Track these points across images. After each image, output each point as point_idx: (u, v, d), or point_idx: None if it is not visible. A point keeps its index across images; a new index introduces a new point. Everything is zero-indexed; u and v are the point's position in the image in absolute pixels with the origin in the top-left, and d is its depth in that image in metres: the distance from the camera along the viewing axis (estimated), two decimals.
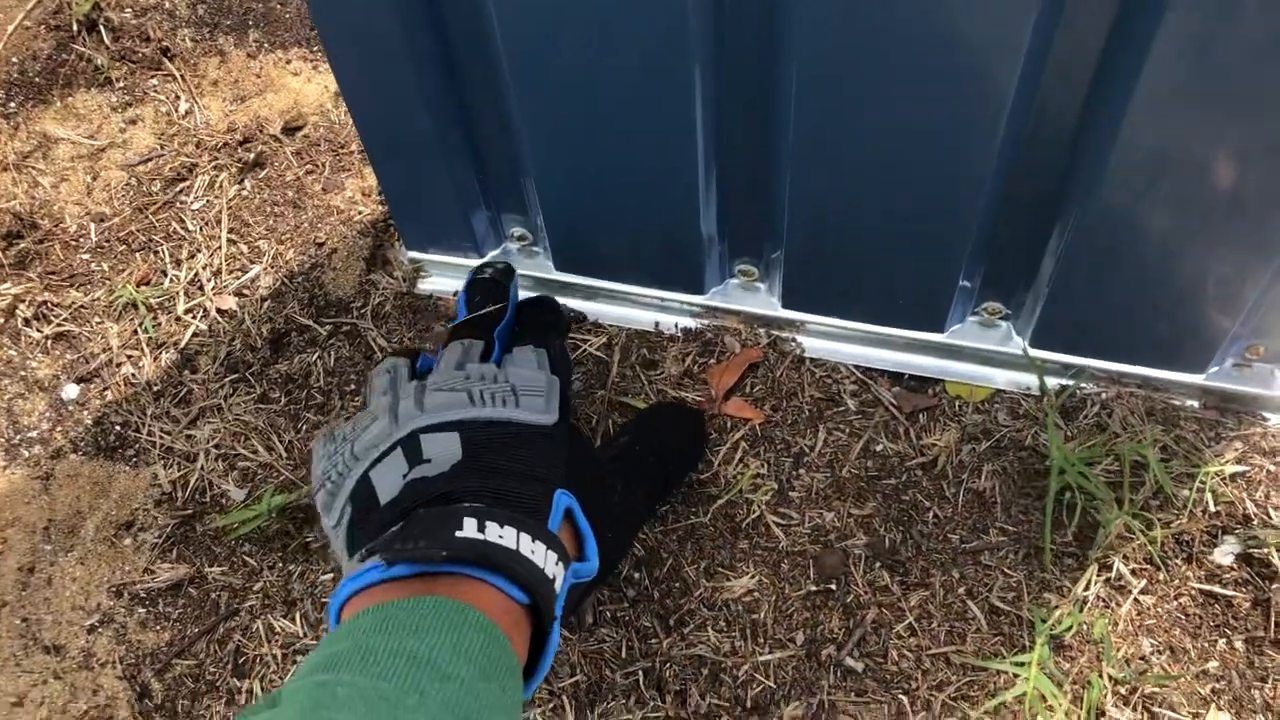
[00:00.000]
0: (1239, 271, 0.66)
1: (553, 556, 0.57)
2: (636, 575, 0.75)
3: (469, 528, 0.54)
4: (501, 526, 0.55)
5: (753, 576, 0.75)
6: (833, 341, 0.83)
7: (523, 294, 0.81)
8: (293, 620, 0.76)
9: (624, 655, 0.73)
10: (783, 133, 0.67)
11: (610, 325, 0.86)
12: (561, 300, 0.86)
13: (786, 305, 0.82)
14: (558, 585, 0.57)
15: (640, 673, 0.72)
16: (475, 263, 0.86)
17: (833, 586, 0.74)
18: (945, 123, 0.62)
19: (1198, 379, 0.76)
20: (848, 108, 0.64)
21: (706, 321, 0.85)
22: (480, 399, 0.63)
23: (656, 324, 0.86)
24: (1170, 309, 0.71)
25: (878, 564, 0.74)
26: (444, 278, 0.89)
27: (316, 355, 0.87)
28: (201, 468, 0.83)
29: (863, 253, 0.74)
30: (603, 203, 0.77)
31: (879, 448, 0.79)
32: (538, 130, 0.73)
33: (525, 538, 0.56)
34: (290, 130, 1.01)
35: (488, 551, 0.54)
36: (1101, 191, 0.63)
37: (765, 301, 0.83)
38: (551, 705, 0.71)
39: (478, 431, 0.62)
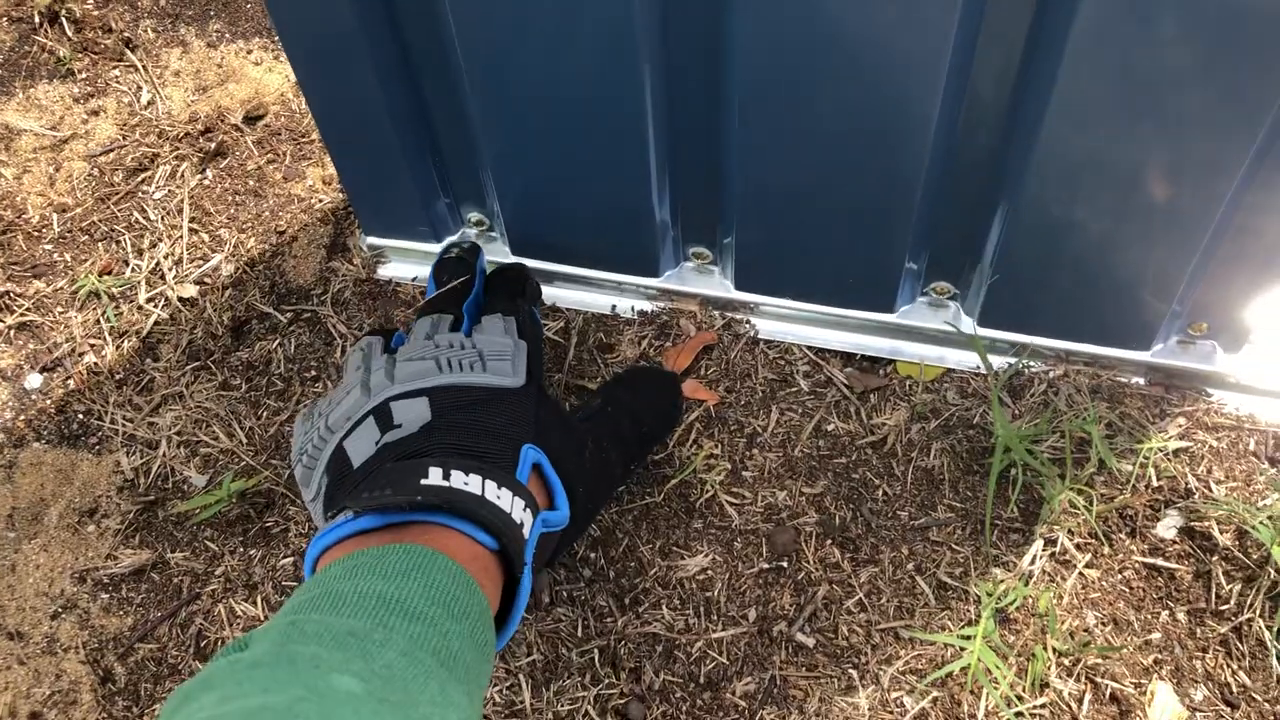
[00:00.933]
0: (1169, 253, 0.68)
1: (520, 503, 0.58)
2: (592, 555, 0.76)
3: (434, 476, 0.56)
4: (467, 475, 0.56)
5: (706, 555, 0.76)
6: (786, 323, 0.84)
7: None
8: (254, 603, 0.77)
9: (579, 634, 0.74)
10: (729, 123, 0.68)
11: (567, 309, 0.87)
12: None
13: (740, 287, 0.83)
14: (526, 531, 0.58)
15: (596, 651, 0.73)
16: (434, 248, 0.87)
17: (784, 564, 0.75)
18: (880, 115, 0.64)
19: (1143, 356, 0.78)
20: (789, 101, 0.65)
21: (662, 304, 0.86)
22: (448, 365, 0.65)
23: (613, 307, 0.87)
24: (1109, 290, 0.73)
25: (828, 541, 0.75)
26: (403, 264, 0.90)
27: (277, 342, 0.88)
28: (164, 454, 0.84)
29: (811, 236, 0.75)
30: (557, 190, 0.78)
31: (830, 427, 0.80)
32: (492, 120, 0.74)
33: (491, 484, 0.57)
34: (251, 120, 1.02)
35: (453, 497, 0.55)
36: (1029, 181, 0.65)
37: (719, 284, 0.84)
38: (508, 684, 0.73)
39: (446, 395, 0.63)
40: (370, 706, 0.42)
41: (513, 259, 0.86)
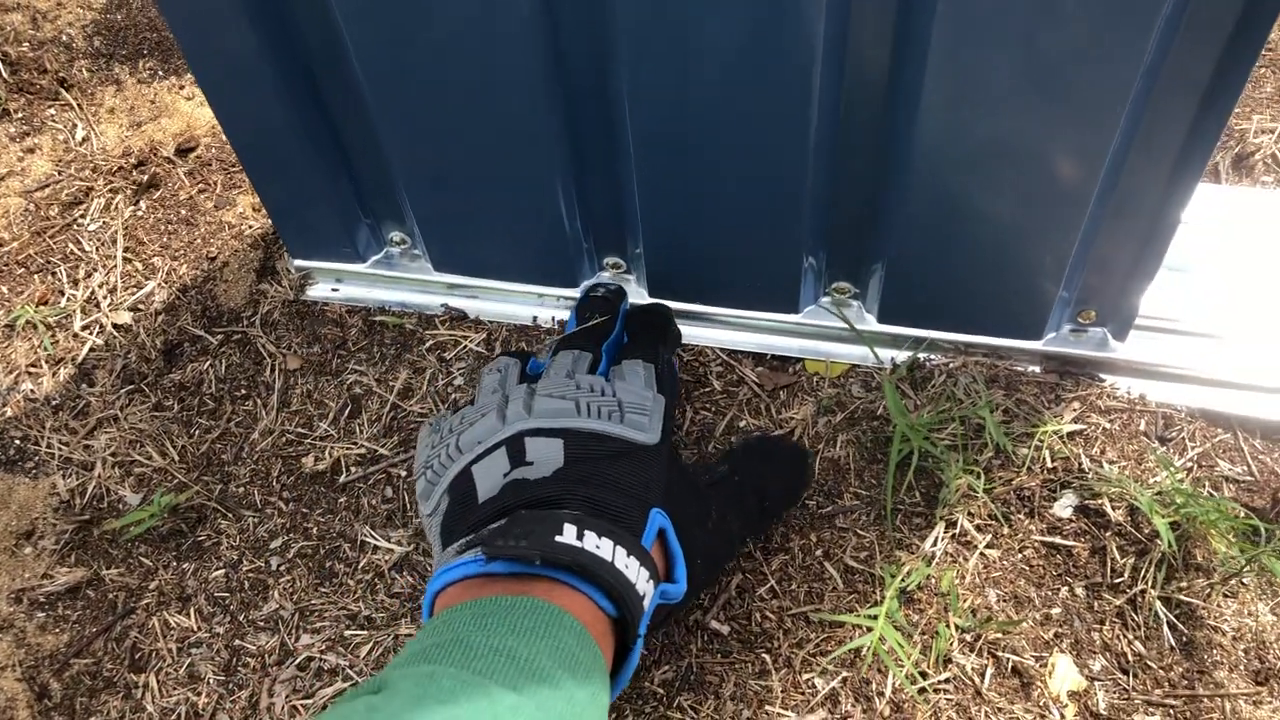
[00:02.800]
0: (1051, 237, 0.71)
1: (645, 573, 0.58)
2: None
3: (568, 534, 0.56)
4: (599, 537, 0.57)
5: None
6: (699, 327, 0.87)
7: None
8: (187, 615, 0.79)
9: None
10: (624, 135, 0.72)
11: (490, 321, 0.90)
12: (442, 299, 0.91)
13: (654, 294, 0.86)
14: (646, 602, 0.58)
15: None
16: (357, 268, 0.90)
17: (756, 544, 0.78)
18: (761, 121, 0.67)
19: (1037, 345, 0.81)
20: (674, 112, 0.68)
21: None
22: (587, 410, 0.65)
23: (534, 318, 0.90)
24: (999, 279, 0.76)
25: None
26: (329, 284, 0.93)
27: (208, 363, 0.91)
28: (99, 475, 0.86)
29: (712, 244, 0.79)
30: (470, 208, 0.82)
31: (742, 424, 0.83)
32: (399, 141, 0.77)
33: (620, 551, 0.57)
34: (183, 152, 1.05)
35: (584, 560, 0.55)
36: (912, 164, 0.68)
37: (635, 292, 0.87)
38: None
39: (581, 442, 0.63)
40: None
41: (436, 276, 0.89)
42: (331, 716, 0.45)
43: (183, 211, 1.01)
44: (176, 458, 0.86)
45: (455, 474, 0.64)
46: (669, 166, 0.72)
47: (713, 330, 0.87)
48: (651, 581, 0.59)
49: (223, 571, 0.81)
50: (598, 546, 0.56)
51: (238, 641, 0.78)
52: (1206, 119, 0.62)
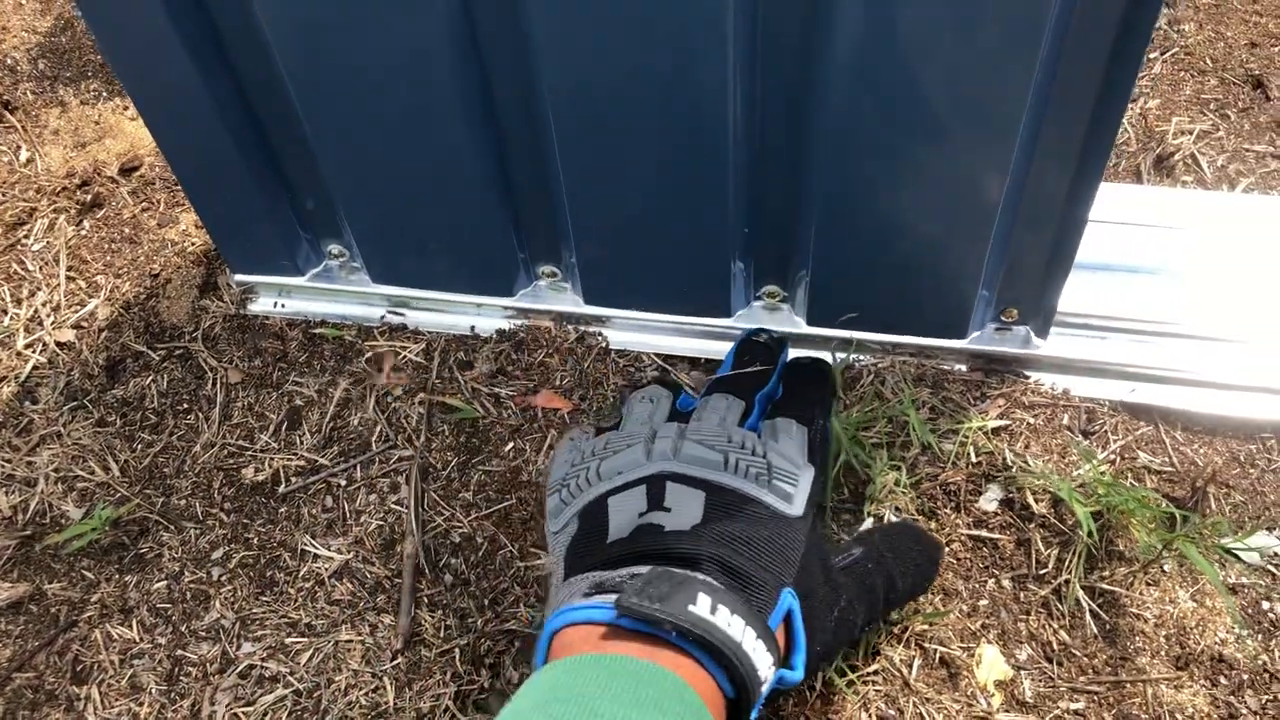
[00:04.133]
0: (965, 233, 0.73)
1: (769, 659, 0.57)
2: (454, 561, 0.80)
3: (702, 605, 0.54)
4: (731, 614, 0.55)
5: None
6: (635, 333, 0.89)
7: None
8: (129, 627, 0.80)
9: (441, 636, 0.77)
10: (549, 144, 0.73)
11: (429, 331, 0.91)
12: (382, 311, 0.92)
13: (589, 302, 0.88)
14: (764, 688, 0.57)
15: (456, 650, 0.76)
16: (297, 281, 0.91)
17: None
18: (680, 123, 0.69)
19: (962, 344, 0.83)
20: (594, 117, 0.70)
21: (519, 322, 0.90)
22: (735, 467, 0.64)
23: (472, 327, 0.91)
24: (918, 284, 0.78)
25: None
26: (271, 298, 0.94)
27: (150, 379, 0.91)
28: (41, 491, 0.87)
29: (641, 252, 0.81)
30: (404, 221, 0.83)
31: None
32: (334, 159, 0.79)
33: (750, 632, 0.55)
34: (127, 171, 1.06)
35: (716, 638, 0.54)
36: (824, 186, 0.70)
37: (571, 300, 0.89)
38: (374, 686, 0.76)
39: (723, 499, 0.62)
40: None
41: (375, 288, 0.91)
42: None
43: (126, 230, 1.02)
44: (119, 472, 0.87)
45: (590, 500, 0.63)
46: (593, 172, 0.74)
47: (647, 335, 0.88)
48: (773, 668, 0.57)
49: (164, 583, 0.82)
50: (729, 625, 0.54)
51: (179, 651, 0.78)
52: (1101, 121, 0.64)
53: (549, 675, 0.53)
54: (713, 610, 0.54)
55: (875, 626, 0.74)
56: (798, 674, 0.61)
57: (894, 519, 0.77)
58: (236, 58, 0.75)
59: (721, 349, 0.87)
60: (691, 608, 0.54)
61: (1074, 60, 0.62)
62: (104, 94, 1.13)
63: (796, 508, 0.64)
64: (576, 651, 0.55)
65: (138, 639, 0.80)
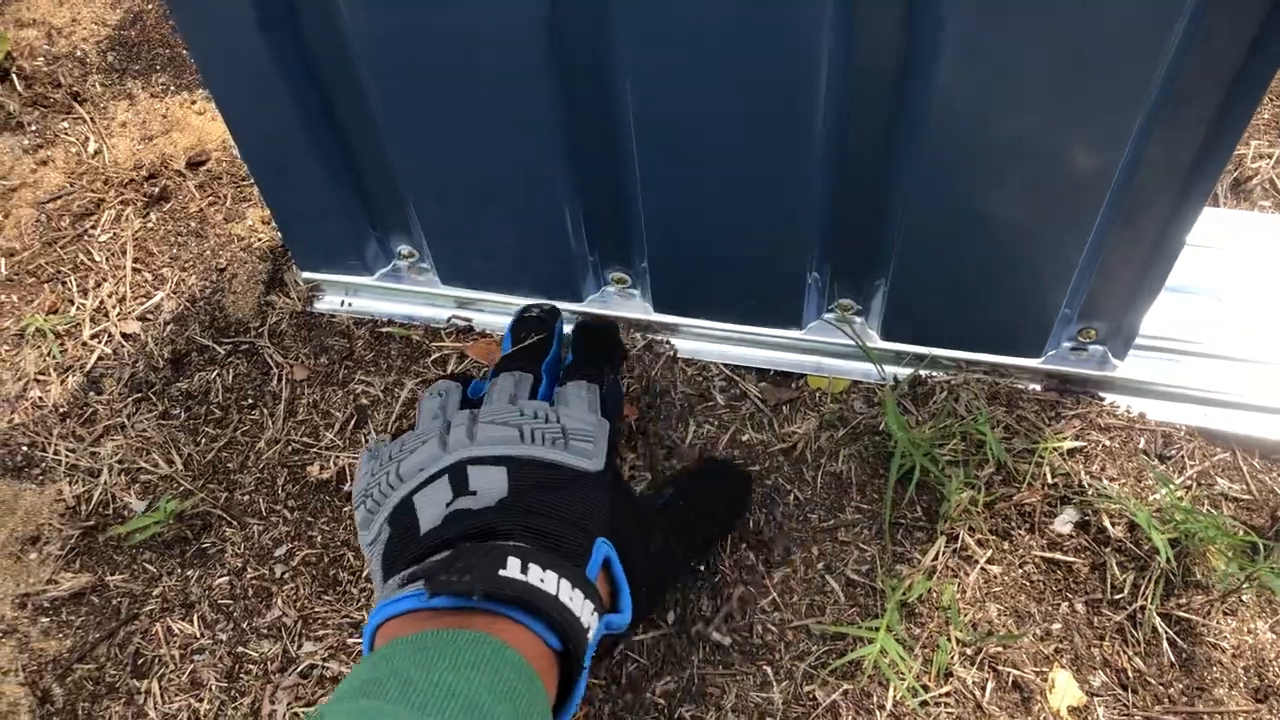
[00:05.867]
0: (1058, 246, 0.72)
1: (589, 606, 0.57)
2: None
3: (512, 567, 0.54)
4: (544, 570, 0.55)
5: None
6: (703, 342, 0.88)
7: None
8: (190, 622, 0.80)
9: None
10: (628, 153, 0.73)
11: (495, 333, 0.91)
12: (449, 312, 0.92)
13: (659, 310, 0.87)
14: (591, 634, 0.57)
15: None
16: (365, 280, 0.91)
17: (702, 567, 0.78)
18: (764, 125, 0.68)
19: (1037, 363, 0.82)
20: (678, 121, 0.69)
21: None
22: (530, 437, 0.64)
23: None
24: (1002, 293, 0.77)
25: (743, 545, 0.79)
26: (337, 296, 0.94)
27: (215, 373, 0.91)
28: (105, 482, 0.87)
29: (716, 258, 0.80)
30: (475, 221, 0.82)
31: (745, 437, 0.83)
32: (408, 157, 0.78)
33: (565, 584, 0.56)
34: (194, 165, 1.06)
35: (529, 595, 0.54)
36: (917, 183, 0.69)
37: (640, 307, 0.88)
38: None
39: (525, 470, 0.62)
40: None
41: (443, 290, 0.90)
42: None
43: (192, 224, 1.03)
44: (182, 466, 0.87)
45: (396, 503, 0.62)
46: (672, 177, 0.73)
47: (716, 345, 0.88)
48: (596, 614, 0.58)
49: (226, 579, 0.81)
50: (542, 580, 0.55)
51: (240, 648, 0.78)
52: (1218, 134, 0.63)
53: (364, 664, 0.52)
54: (524, 570, 0.55)
55: (700, 562, 0.77)
56: (625, 616, 0.62)
57: (964, 536, 0.76)
58: (315, 48, 0.74)
59: (791, 361, 0.86)
60: (502, 572, 0.54)
61: (1194, 78, 0.61)
62: (172, 88, 1.13)
63: (597, 463, 0.65)
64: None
65: (198, 634, 0.79)
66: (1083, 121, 0.63)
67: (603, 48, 0.67)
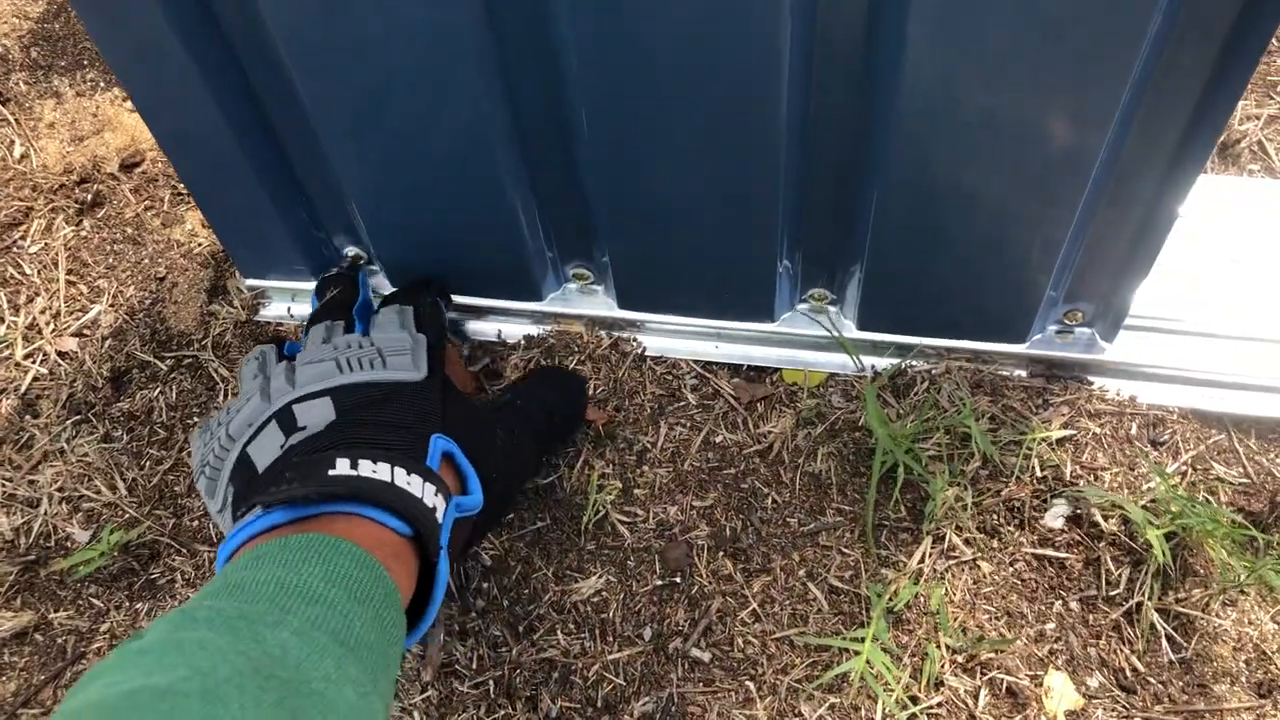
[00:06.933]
0: (1042, 226, 0.67)
1: (431, 488, 0.58)
2: (485, 585, 0.75)
3: (341, 466, 0.56)
4: (375, 463, 0.56)
5: (600, 576, 0.75)
6: (672, 338, 0.84)
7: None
8: None
9: (474, 666, 0.73)
10: (581, 141, 0.68)
11: (453, 338, 0.86)
12: None
13: (624, 306, 0.83)
14: (440, 515, 0.58)
15: (491, 682, 0.72)
16: (311, 286, 0.86)
17: (678, 579, 0.74)
18: (725, 117, 0.63)
19: (1022, 349, 0.78)
20: (634, 113, 0.64)
21: (548, 327, 0.85)
22: (349, 365, 0.64)
23: (499, 333, 0.86)
24: (982, 277, 0.73)
25: (720, 553, 0.75)
26: (284, 303, 0.89)
27: (158, 390, 0.86)
28: (45, 512, 0.82)
29: (680, 252, 0.75)
30: (425, 220, 0.78)
31: (719, 439, 0.79)
32: (346, 155, 0.73)
33: (400, 471, 0.57)
34: (128, 167, 1.00)
35: (360, 485, 0.55)
36: (891, 147, 0.64)
37: (604, 304, 0.84)
38: None
39: (349, 394, 0.63)
40: (256, 682, 0.42)
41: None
42: (93, 667, 0.43)
43: (128, 230, 0.97)
44: (126, 491, 0.82)
45: (233, 461, 0.62)
46: (628, 167, 0.69)
47: (686, 341, 0.83)
48: (441, 495, 0.58)
49: None
50: (374, 471, 0.56)
51: None
52: (1212, 97, 0.59)
53: (202, 589, 0.52)
54: (353, 466, 0.56)
55: (551, 454, 0.80)
56: (475, 496, 0.63)
57: (951, 536, 0.73)
58: (238, 49, 0.69)
59: (765, 355, 0.82)
60: (331, 472, 0.55)
61: (1184, 39, 0.56)
62: (101, 84, 1.07)
63: (420, 372, 0.66)
64: None
65: None
66: (1064, 92, 0.59)
67: (547, 32, 0.62)
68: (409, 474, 0.57)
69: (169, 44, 0.66)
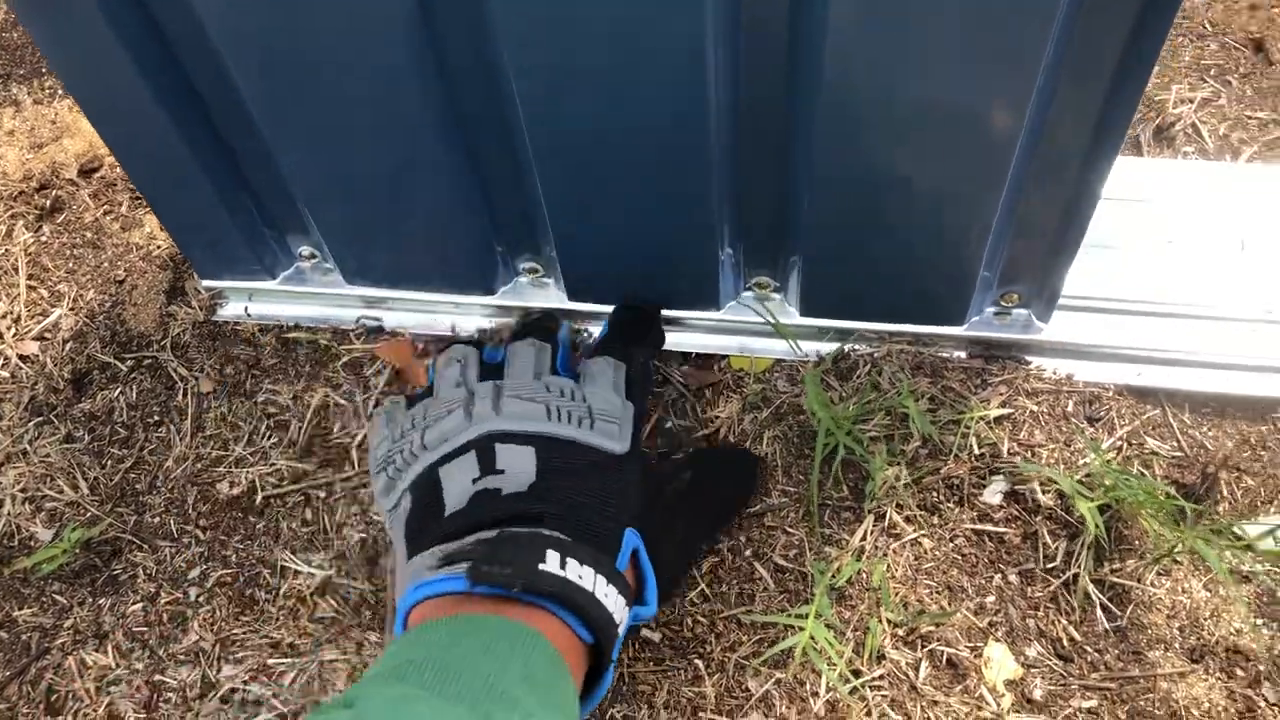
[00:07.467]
0: (969, 213, 0.69)
1: (621, 601, 0.58)
2: None
3: (551, 561, 0.56)
4: (581, 565, 0.57)
5: None
6: None
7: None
8: (104, 653, 0.77)
9: None
10: (518, 133, 0.69)
11: (407, 333, 0.88)
12: (357, 313, 0.88)
13: (574, 298, 0.84)
14: (620, 629, 0.59)
15: None
16: (267, 285, 0.87)
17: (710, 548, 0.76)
18: (655, 112, 0.65)
19: (961, 331, 0.80)
20: (566, 108, 0.66)
21: (502, 320, 0.87)
22: (557, 415, 0.64)
23: (453, 327, 0.87)
24: (917, 264, 0.75)
25: None
26: (241, 302, 0.91)
27: (119, 391, 0.88)
28: (8, 513, 0.83)
29: (623, 244, 0.77)
30: (373, 219, 0.79)
31: (668, 425, 0.81)
32: (289, 152, 0.74)
33: (600, 580, 0.57)
34: (87, 172, 1.02)
35: (568, 592, 0.55)
36: (820, 152, 0.66)
37: (555, 296, 0.85)
38: None
39: (553, 451, 0.63)
40: None
41: (348, 289, 0.87)
42: None
43: (88, 235, 0.98)
44: (88, 490, 0.83)
45: (419, 472, 0.62)
46: (567, 162, 0.70)
47: None
48: (627, 608, 0.59)
49: (140, 605, 0.78)
50: (580, 576, 0.56)
51: (158, 676, 0.75)
52: (1125, 77, 0.60)
53: (400, 644, 0.53)
54: (562, 565, 0.56)
55: (711, 545, 0.76)
56: (650, 608, 0.63)
57: (892, 514, 0.75)
58: (182, 55, 0.71)
59: (713, 343, 0.84)
60: (541, 565, 0.55)
61: (1094, 17, 0.58)
62: (59, 92, 1.08)
63: (623, 445, 0.65)
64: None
65: (114, 665, 0.76)
66: (982, 74, 0.60)
67: (480, 35, 0.64)
68: (608, 584, 0.57)
69: (112, 51, 0.67)
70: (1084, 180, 0.68)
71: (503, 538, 0.57)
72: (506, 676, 0.50)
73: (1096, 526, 0.71)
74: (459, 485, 0.61)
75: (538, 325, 0.74)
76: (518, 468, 0.61)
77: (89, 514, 0.82)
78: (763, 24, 0.61)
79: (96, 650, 0.77)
